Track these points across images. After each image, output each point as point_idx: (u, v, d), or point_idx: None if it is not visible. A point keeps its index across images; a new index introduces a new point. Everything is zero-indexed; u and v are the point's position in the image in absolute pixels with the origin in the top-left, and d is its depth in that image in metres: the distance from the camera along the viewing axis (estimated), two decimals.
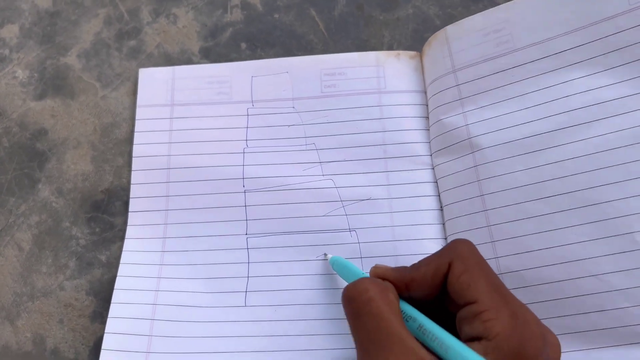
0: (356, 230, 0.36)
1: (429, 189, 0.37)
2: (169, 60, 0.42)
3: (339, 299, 0.34)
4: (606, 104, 0.32)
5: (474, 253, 0.27)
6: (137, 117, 0.40)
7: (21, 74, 0.43)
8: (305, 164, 0.38)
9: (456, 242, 0.27)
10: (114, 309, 0.34)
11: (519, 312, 0.24)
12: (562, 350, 0.30)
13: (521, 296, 0.32)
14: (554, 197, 0.32)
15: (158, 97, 0.41)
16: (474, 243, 0.33)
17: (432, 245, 0.36)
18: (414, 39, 0.42)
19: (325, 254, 0.33)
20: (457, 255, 0.26)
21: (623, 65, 0.32)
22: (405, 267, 0.28)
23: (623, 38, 0.32)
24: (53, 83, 0.42)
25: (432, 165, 0.38)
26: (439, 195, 0.37)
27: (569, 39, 0.34)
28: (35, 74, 0.42)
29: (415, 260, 0.35)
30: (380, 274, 0.28)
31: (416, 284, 0.27)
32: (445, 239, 0.36)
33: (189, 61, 0.42)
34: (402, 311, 0.26)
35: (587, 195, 0.31)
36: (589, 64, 0.33)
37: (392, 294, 0.26)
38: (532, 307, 0.31)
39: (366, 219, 0.37)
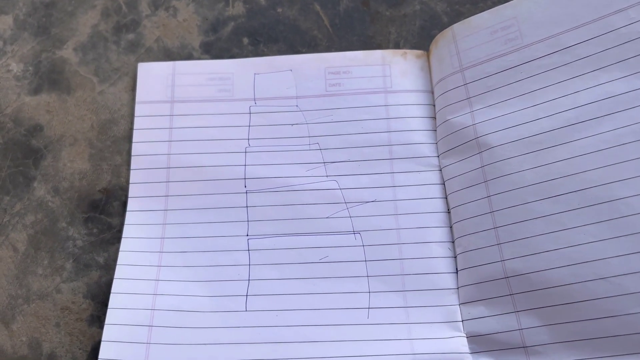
0: (360, 232, 0.36)
1: (436, 191, 0.36)
2: (168, 54, 0.41)
3: (340, 304, 0.34)
4: (617, 98, 0.31)
5: None
6: (136, 114, 0.39)
7: (15, 67, 0.41)
8: (309, 164, 0.37)
9: None
10: (110, 315, 0.33)
11: None
12: (570, 359, 0.30)
13: (529, 301, 0.31)
14: (563, 195, 0.31)
15: (158, 93, 0.39)
16: (480, 246, 0.33)
17: (438, 248, 0.35)
18: (420, 36, 0.41)
19: None
20: None
21: (635, 57, 0.31)
22: None
23: (634, 29, 0.31)
24: (49, 77, 0.41)
25: (440, 166, 0.37)
26: (447, 198, 0.36)
27: (578, 33, 0.33)
28: (30, 68, 0.41)
29: (420, 264, 0.34)
30: None
31: None
32: (453, 242, 0.35)
33: (189, 56, 0.41)
34: None
35: (598, 193, 0.30)
36: (599, 57, 0.32)
37: None
38: (540, 312, 0.31)
39: (371, 221, 0.36)
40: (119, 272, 0.35)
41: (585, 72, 0.32)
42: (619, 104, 0.31)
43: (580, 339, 0.30)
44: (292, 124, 0.38)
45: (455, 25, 0.37)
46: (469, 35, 0.36)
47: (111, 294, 0.34)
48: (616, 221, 0.29)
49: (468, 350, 0.32)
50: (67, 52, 0.42)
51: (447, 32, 0.37)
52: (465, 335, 0.33)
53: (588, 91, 0.32)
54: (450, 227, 0.35)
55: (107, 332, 0.33)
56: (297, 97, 0.39)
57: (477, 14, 0.39)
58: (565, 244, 0.30)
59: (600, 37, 0.32)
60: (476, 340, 0.32)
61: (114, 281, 0.34)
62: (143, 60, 0.41)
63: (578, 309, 0.30)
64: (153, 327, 0.33)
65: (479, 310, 0.33)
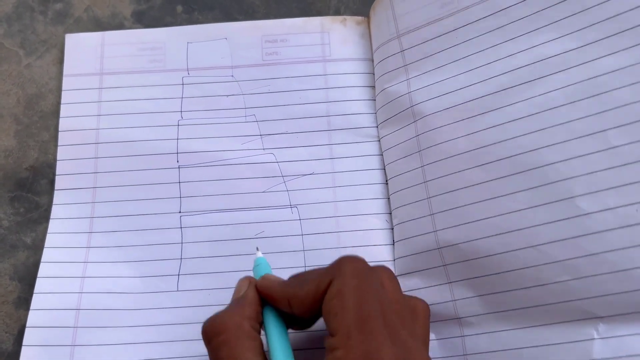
0: (297, 206, 0.35)
1: (374, 162, 0.36)
2: (98, 25, 0.39)
3: None
4: (549, 60, 0.30)
5: (359, 273, 0.24)
6: (63, 87, 0.37)
7: None
8: (245, 137, 0.36)
9: (343, 258, 0.25)
10: (36, 300, 0.32)
11: (374, 357, 0.21)
12: (498, 329, 0.29)
13: (461, 271, 0.31)
14: (494, 163, 0.30)
15: (86, 65, 0.38)
16: (415, 217, 0.32)
17: (375, 220, 0.34)
18: (362, 2, 0.40)
19: (257, 249, 0.30)
20: (339, 273, 0.24)
21: (568, 17, 0.30)
22: (295, 280, 0.26)
23: None
24: None
25: (378, 137, 0.36)
26: (385, 169, 0.35)
27: None
28: None
29: (356, 237, 0.34)
30: (264, 287, 0.27)
31: (298, 301, 0.25)
32: (390, 213, 0.34)
33: (120, 26, 0.39)
34: (268, 333, 0.26)
35: (528, 158, 0.29)
36: (534, 18, 0.31)
37: (249, 324, 0.25)
38: (472, 283, 0.30)
39: (308, 194, 0.35)
40: (46, 255, 0.33)
41: (520, 34, 0.31)
42: (551, 66, 0.30)
43: (511, 308, 0.29)
44: (227, 95, 0.37)
45: None
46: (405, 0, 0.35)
47: (37, 278, 0.33)
48: (545, 187, 0.29)
49: None
50: None
51: None
52: None
53: (522, 54, 0.31)
54: (388, 198, 0.35)
55: (32, 318, 0.32)
56: (232, 67, 0.38)
57: None
58: (496, 212, 0.30)
59: None
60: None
61: (41, 265, 0.33)
62: (72, 31, 0.39)
63: (508, 279, 0.29)
64: (81, 311, 0.32)
65: (414, 282, 0.32)
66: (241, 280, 0.28)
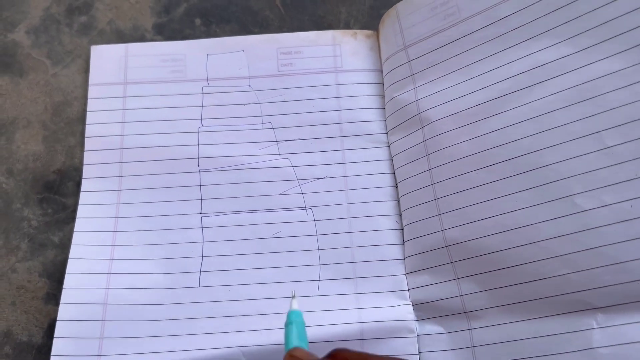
0: (312, 208, 0.37)
1: (385, 166, 0.38)
2: (121, 36, 0.42)
3: (292, 277, 0.35)
4: (547, 66, 0.32)
5: None
6: (89, 96, 0.39)
7: None
8: (262, 142, 0.38)
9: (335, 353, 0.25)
10: (65, 295, 0.34)
11: None
12: (503, 322, 0.31)
13: (468, 268, 0.33)
14: (497, 164, 0.32)
15: (111, 75, 0.40)
16: (423, 217, 0.34)
17: (386, 221, 0.36)
18: (370, 16, 0.42)
19: (293, 296, 0.29)
20: None
21: (563, 24, 0.32)
22: None
23: None
24: (0, 60, 0.41)
25: (388, 143, 0.38)
26: (394, 173, 0.37)
27: (511, 3, 0.34)
28: None
29: (368, 237, 0.36)
30: None
31: None
32: (400, 214, 0.36)
33: (142, 38, 0.41)
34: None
35: (528, 160, 0.32)
36: (531, 27, 0.33)
37: None
38: (478, 279, 0.32)
39: (322, 197, 0.37)
40: (73, 252, 0.35)
41: (518, 42, 0.34)
42: (548, 71, 0.32)
43: (515, 302, 0.31)
44: (245, 104, 0.39)
45: (399, 4, 0.38)
46: (411, 12, 0.37)
47: (66, 274, 0.34)
48: (545, 187, 0.31)
49: (414, 318, 0.34)
50: (19, 35, 0.41)
51: (392, 11, 0.38)
52: (411, 303, 0.34)
53: (520, 61, 0.33)
54: (398, 200, 0.37)
55: (62, 312, 0.33)
56: (249, 77, 0.40)
57: None
58: (499, 211, 0.32)
59: (530, 6, 0.33)
60: (421, 308, 0.34)
61: (69, 261, 0.35)
62: (96, 43, 0.41)
63: (511, 274, 0.31)
64: (108, 305, 0.34)
65: (423, 278, 0.34)
66: None
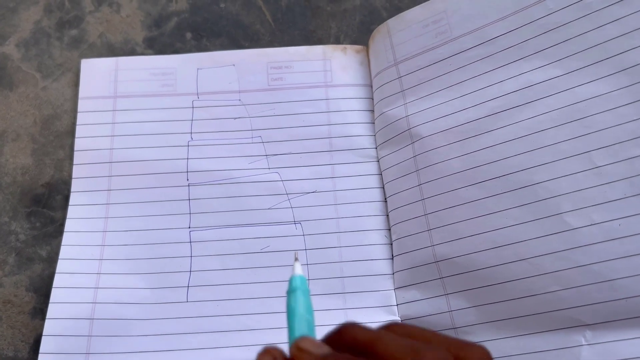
0: (301, 222, 0.37)
1: (374, 181, 0.38)
2: (112, 50, 0.42)
3: (280, 292, 0.35)
4: (537, 86, 0.33)
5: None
6: (79, 109, 0.39)
7: None
8: (251, 156, 0.38)
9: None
10: (52, 310, 0.34)
11: None
12: (493, 338, 0.31)
13: (457, 283, 0.32)
14: (487, 181, 0.33)
15: (101, 88, 0.40)
16: (412, 232, 0.34)
17: (375, 236, 0.36)
18: (360, 31, 0.42)
19: (296, 259, 0.25)
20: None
21: (553, 46, 0.33)
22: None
23: (552, 20, 0.33)
24: None
25: (377, 157, 0.38)
26: (384, 187, 0.37)
27: (502, 24, 0.34)
28: None
29: (357, 251, 0.36)
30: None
31: None
32: (389, 229, 0.36)
33: (132, 51, 0.41)
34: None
35: (519, 177, 0.32)
36: (521, 47, 0.34)
37: None
38: (467, 295, 0.32)
39: (311, 211, 0.37)
40: (60, 266, 0.35)
41: (509, 62, 0.34)
42: (538, 92, 0.32)
43: (504, 318, 0.31)
44: (235, 118, 0.39)
45: (390, 20, 0.38)
46: (402, 29, 0.37)
47: (53, 289, 0.34)
48: (535, 204, 0.31)
49: None
50: (9, 48, 0.41)
51: (383, 27, 0.38)
52: (399, 318, 0.34)
53: (511, 80, 0.33)
54: (387, 215, 0.37)
55: (49, 327, 0.33)
56: (239, 92, 0.40)
57: None
58: (489, 227, 0.32)
59: (521, 28, 0.34)
60: (410, 323, 0.34)
61: (56, 275, 0.35)
62: (86, 56, 0.41)
63: (501, 290, 0.31)
64: (95, 320, 0.34)
65: (412, 294, 0.34)
66: (261, 356, 0.21)
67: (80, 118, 0.39)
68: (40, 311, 0.35)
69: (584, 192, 0.30)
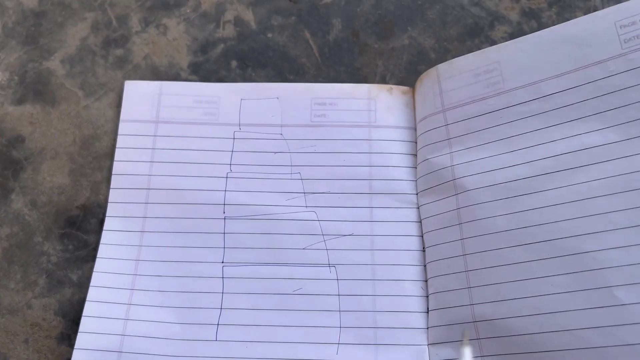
0: (336, 266, 0.36)
1: (413, 228, 0.37)
2: (156, 73, 0.41)
3: (311, 338, 0.34)
4: (592, 150, 0.32)
5: None
6: (119, 132, 0.39)
7: (0, 75, 0.41)
8: (289, 193, 0.38)
9: None
10: (80, 339, 0.33)
11: None
12: None
13: (495, 346, 0.32)
14: (533, 244, 0.32)
15: (143, 112, 0.39)
16: (451, 288, 0.33)
17: (411, 287, 0.35)
18: (407, 71, 0.42)
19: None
20: None
21: (612, 110, 0.32)
22: None
23: (613, 82, 0.32)
24: (34, 88, 0.41)
25: (418, 204, 0.37)
26: (422, 236, 0.36)
27: (558, 82, 0.34)
28: (16, 77, 0.41)
29: (392, 302, 0.35)
30: None
31: None
32: (426, 281, 0.35)
33: (177, 76, 0.41)
34: None
35: (567, 244, 0.31)
36: (577, 107, 0.33)
37: None
38: (505, 359, 0.31)
39: (347, 255, 0.36)
40: (91, 294, 0.35)
41: (563, 121, 0.33)
42: (593, 156, 0.31)
43: None
44: (275, 152, 0.39)
45: (440, 65, 0.37)
46: (452, 76, 0.37)
47: (82, 317, 0.34)
48: (583, 274, 0.30)
49: None
50: (54, 64, 0.41)
51: (432, 72, 0.38)
52: None
53: (564, 141, 0.32)
54: (424, 266, 0.36)
55: (77, 356, 0.33)
56: (282, 126, 0.39)
57: (463, 51, 0.40)
58: (532, 293, 0.31)
59: (579, 87, 0.33)
60: None
61: (86, 303, 0.34)
62: (130, 77, 0.41)
63: (540, 359, 0.30)
64: (122, 353, 0.33)
65: (446, 351, 0.33)
66: None
67: (120, 141, 0.39)
68: (67, 337, 0.35)
69: (637, 267, 0.29)
